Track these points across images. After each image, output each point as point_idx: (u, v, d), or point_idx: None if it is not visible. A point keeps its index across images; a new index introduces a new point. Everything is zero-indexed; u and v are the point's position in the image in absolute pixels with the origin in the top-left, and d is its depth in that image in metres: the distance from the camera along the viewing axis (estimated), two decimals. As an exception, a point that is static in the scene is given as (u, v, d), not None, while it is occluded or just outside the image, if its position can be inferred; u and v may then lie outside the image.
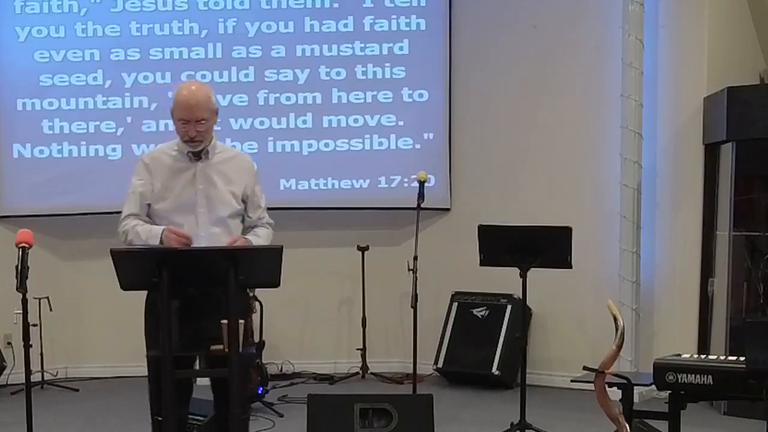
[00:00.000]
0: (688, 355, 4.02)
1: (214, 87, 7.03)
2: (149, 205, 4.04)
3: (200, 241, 3.96)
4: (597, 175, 6.79)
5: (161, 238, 3.90)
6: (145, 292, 3.91)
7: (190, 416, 4.45)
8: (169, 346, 3.62)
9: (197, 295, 3.80)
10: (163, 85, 7.06)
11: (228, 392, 3.70)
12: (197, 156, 4.04)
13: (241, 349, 3.68)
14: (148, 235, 3.95)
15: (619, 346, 3.56)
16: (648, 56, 6.44)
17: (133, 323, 5.75)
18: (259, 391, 6.13)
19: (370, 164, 7.27)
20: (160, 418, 3.74)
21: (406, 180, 7.19)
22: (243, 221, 4.16)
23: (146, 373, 3.97)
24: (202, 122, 3.98)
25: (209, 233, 3.99)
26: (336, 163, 7.27)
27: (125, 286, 3.67)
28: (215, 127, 4.13)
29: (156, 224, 4.01)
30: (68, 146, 7.11)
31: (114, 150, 7.13)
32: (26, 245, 4.01)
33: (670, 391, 3.95)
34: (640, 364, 6.25)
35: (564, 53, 6.88)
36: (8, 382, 6.72)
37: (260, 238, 4.11)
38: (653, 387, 4.22)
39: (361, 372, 7.24)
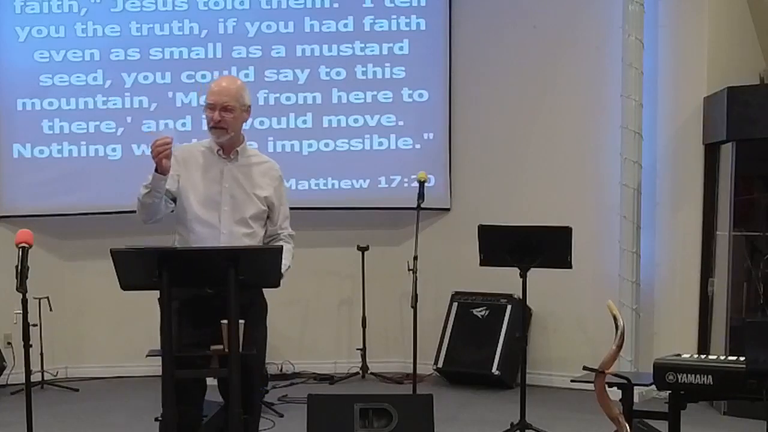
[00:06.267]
0: (688, 355, 4.01)
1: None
2: (174, 199, 4.03)
3: (222, 239, 3.98)
4: (597, 175, 6.79)
5: (156, 169, 3.84)
6: (146, 292, 3.90)
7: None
8: (169, 346, 3.62)
9: (214, 296, 3.81)
10: (163, 85, 7.08)
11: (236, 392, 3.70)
12: (227, 156, 4.06)
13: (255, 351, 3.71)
14: (148, 178, 3.90)
15: (619, 346, 3.56)
16: (648, 56, 6.44)
17: (133, 323, 5.76)
18: (259, 391, 6.14)
19: (370, 164, 7.27)
20: (159, 419, 3.74)
21: (406, 180, 7.19)
22: (265, 225, 4.16)
23: (146, 374, 3.97)
24: (228, 109, 4.00)
25: (231, 231, 4.01)
26: (336, 163, 7.26)
27: (125, 286, 3.67)
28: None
29: (181, 221, 4.02)
30: (68, 146, 7.11)
31: (114, 150, 7.13)
32: (26, 245, 4.01)
33: (670, 391, 3.95)
34: (640, 364, 6.25)
35: (564, 53, 6.88)
36: (8, 382, 6.72)
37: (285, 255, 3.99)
38: (653, 387, 4.22)
39: (361, 372, 7.24)
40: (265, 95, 7.18)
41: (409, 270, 5.71)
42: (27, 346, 4.09)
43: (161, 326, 3.91)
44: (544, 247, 5.31)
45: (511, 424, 5.43)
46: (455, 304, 7.15)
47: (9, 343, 6.79)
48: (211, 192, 4.02)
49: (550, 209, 6.61)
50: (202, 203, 4.01)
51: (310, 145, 7.24)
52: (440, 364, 7.06)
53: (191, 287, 3.82)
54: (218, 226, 4.00)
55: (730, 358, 3.89)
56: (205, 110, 4.07)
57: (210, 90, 4.07)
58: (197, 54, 7.12)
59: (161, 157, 3.80)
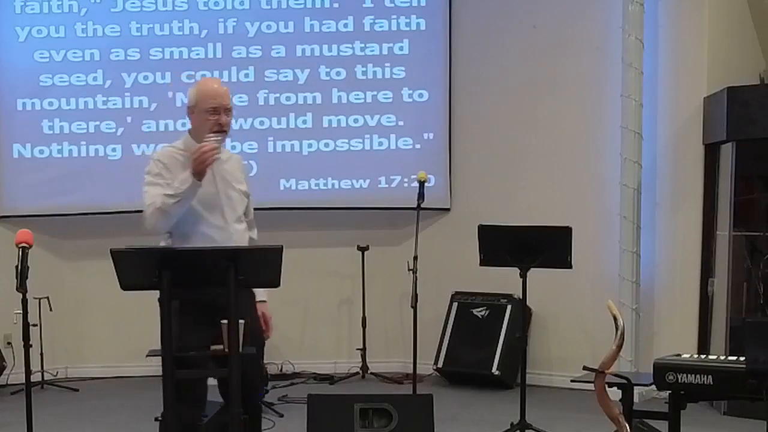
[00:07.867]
0: (688, 355, 4.02)
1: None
2: None
3: (232, 238, 4.01)
4: (597, 175, 6.79)
5: (192, 175, 3.83)
6: (146, 292, 3.89)
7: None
8: (169, 346, 3.62)
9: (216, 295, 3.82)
10: (163, 85, 7.08)
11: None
12: None
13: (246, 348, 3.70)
14: (177, 187, 3.86)
15: (619, 346, 3.56)
16: (648, 56, 6.44)
17: (133, 323, 5.76)
18: (259, 391, 6.14)
19: (370, 164, 7.27)
20: (159, 419, 3.74)
21: (406, 180, 7.19)
22: None
23: (146, 373, 3.97)
24: (228, 111, 4.04)
25: (237, 230, 4.06)
26: (336, 163, 7.27)
27: (125, 286, 3.67)
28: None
29: (185, 226, 3.98)
30: (68, 146, 7.11)
31: (114, 150, 7.13)
32: (26, 245, 4.01)
33: (670, 391, 3.95)
34: (640, 364, 6.25)
35: (564, 53, 6.88)
36: (8, 382, 6.72)
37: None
38: (653, 387, 4.22)
39: (361, 372, 7.24)
40: (265, 95, 7.19)
41: (409, 270, 5.70)
42: (27, 346, 4.10)
43: (162, 326, 3.92)
44: (544, 247, 5.30)
45: (511, 424, 5.43)
46: (455, 304, 7.15)
47: (9, 343, 6.79)
48: (209, 195, 4.01)
49: (550, 209, 6.61)
50: (204, 207, 4.00)
51: (310, 145, 7.24)
52: (440, 364, 7.05)
53: (190, 288, 3.81)
54: (226, 226, 4.02)
55: (730, 358, 3.89)
56: (200, 114, 4.01)
57: (208, 93, 4.02)
58: (197, 54, 7.12)
59: (208, 164, 3.82)
